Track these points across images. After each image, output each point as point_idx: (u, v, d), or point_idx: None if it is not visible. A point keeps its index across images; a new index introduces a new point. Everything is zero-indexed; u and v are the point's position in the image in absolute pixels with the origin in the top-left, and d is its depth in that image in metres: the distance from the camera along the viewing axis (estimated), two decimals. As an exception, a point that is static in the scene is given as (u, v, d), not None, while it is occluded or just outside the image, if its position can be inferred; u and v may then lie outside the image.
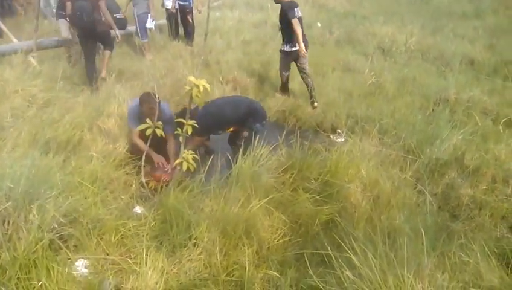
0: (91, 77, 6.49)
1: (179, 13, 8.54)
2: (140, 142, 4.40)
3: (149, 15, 7.86)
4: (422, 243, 2.70)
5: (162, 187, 3.91)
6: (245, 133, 4.76)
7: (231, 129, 4.94)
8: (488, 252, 2.84)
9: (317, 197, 3.79)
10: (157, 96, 4.27)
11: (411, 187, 4.08)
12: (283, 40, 6.17)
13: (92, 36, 6.50)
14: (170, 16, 8.75)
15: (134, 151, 4.58)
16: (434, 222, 3.40)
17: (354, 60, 8.12)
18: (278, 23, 6.26)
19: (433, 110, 6.06)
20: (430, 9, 13.44)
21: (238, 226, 3.27)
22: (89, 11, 6.31)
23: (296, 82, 6.59)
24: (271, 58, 7.77)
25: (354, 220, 3.53)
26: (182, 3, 8.19)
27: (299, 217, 3.60)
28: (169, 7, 8.66)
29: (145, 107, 4.28)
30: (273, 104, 6.12)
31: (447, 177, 4.28)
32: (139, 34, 8.02)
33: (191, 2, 8.29)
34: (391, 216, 3.51)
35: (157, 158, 4.51)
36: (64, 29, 7.29)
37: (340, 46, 9.30)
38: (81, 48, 6.74)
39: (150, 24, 7.87)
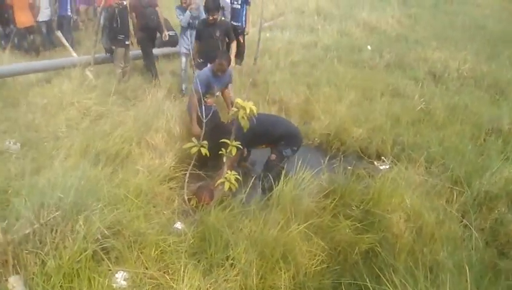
0: (156, 74, 7.71)
1: None
2: (195, 106, 4.91)
3: None
4: (466, 281, 2.60)
5: (203, 205, 3.98)
6: (272, 156, 4.69)
7: (263, 146, 4.95)
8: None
9: (358, 225, 3.73)
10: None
11: (457, 221, 3.93)
12: None
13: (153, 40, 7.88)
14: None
15: (188, 108, 5.21)
16: (480, 259, 3.26)
17: (404, 85, 7.97)
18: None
19: (484, 140, 5.84)
20: (485, 35, 13.02)
21: (276, 250, 3.27)
22: (156, 17, 7.60)
23: (342, 105, 6.55)
24: (319, 80, 7.77)
25: (395, 252, 3.45)
26: (234, 23, 8.34)
27: (339, 245, 3.55)
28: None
29: (217, 63, 5.07)
30: (318, 126, 6.10)
31: (496, 211, 4.11)
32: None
33: (243, 22, 8.42)
34: (434, 250, 3.40)
35: (196, 130, 4.81)
36: (120, 57, 7.47)
37: (390, 70, 9.16)
38: (144, 52, 7.81)
39: None
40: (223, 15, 7.85)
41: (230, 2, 8.06)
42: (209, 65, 5.39)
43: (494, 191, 4.34)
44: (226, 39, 6.54)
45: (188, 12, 7.04)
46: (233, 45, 6.58)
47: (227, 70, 5.31)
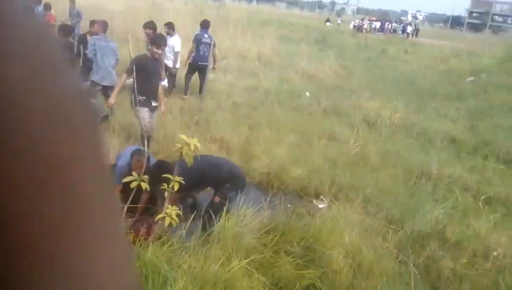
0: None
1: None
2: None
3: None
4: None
5: (140, 240, 3.83)
6: (216, 199, 4.52)
7: (208, 189, 4.89)
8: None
9: (299, 261, 3.75)
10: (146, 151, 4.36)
11: (393, 257, 4.06)
12: None
13: None
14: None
15: None
16: (415, 293, 3.37)
17: (340, 130, 8.32)
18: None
19: (415, 183, 6.16)
20: (414, 89, 14.04)
21: (217, 286, 3.20)
22: None
23: (282, 146, 6.69)
24: (259, 122, 7.92)
25: (335, 287, 3.48)
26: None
27: (280, 280, 3.54)
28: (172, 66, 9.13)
29: (135, 160, 4.47)
30: (258, 165, 6.16)
31: (428, 249, 4.29)
32: None
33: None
34: (373, 285, 3.48)
35: None
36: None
37: (327, 116, 9.55)
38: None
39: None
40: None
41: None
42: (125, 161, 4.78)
43: (426, 230, 4.56)
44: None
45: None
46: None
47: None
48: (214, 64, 9.82)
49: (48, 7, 11.01)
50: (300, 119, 8.84)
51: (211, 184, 4.77)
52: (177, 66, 9.30)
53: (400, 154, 7.37)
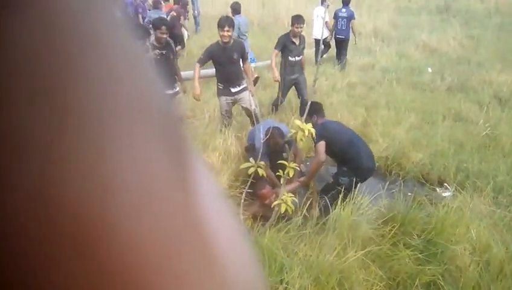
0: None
1: None
2: None
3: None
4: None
5: (257, 225, 3.95)
6: (331, 179, 4.61)
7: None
8: None
9: (419, 255, 3.55)
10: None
11: (529, 256, 3.67)
12: None
13: None
14: None
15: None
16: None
17: (466, 109, 7.64)
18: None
19: (558, 170, 5.46)
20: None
21: (331, 276, 3.18)
22: None
23: (401, 128, 6.36)
24: (377, 103, 7.62)
25: (459, 286, 3.26)
26: None
27: (398, 275, 3.40)
28: None
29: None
30: (376, 150, 5.93)
31: None
32: None
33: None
34: (503, 287, 3.18)
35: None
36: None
37: (452, 94, 8.83)
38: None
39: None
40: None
41: None
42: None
43: None
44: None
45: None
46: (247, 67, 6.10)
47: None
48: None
49: None
50: (422, 97, 8.31)
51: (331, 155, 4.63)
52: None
53: (540, 135, 6.57)
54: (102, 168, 0.15)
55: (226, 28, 5.43)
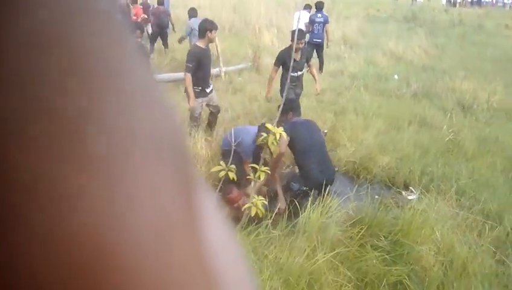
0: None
1: None
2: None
3: None
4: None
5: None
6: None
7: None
8: None
9: (386, 256, 3.63)
10: None
11: (490, 256, 3.80)
12: None
13: None
14: None
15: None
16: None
17: (431, 115, 7.86)
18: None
19: (517, 173, 5.69)
20: (516, 67, 12.85)
21: (301, 278, 3.21)
22: None
23: (369, 133, 6.49)
24: (345, 108, 7.75)
25: (424, 285, 3.35)
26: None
27: (366, 276, 3.46)
28: None
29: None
30: (344, 154, 6.03)
31: (531, 248, 3.95)
32: None
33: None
34: (466, 285, 3.29)
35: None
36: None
37: (417, 100, 9.07)
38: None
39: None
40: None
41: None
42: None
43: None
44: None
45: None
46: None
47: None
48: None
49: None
50: (389, 104, 8.49)
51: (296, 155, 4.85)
52: None
53: (499, 141, 6.81)
54: (113, 204, 0.15)
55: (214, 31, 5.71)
